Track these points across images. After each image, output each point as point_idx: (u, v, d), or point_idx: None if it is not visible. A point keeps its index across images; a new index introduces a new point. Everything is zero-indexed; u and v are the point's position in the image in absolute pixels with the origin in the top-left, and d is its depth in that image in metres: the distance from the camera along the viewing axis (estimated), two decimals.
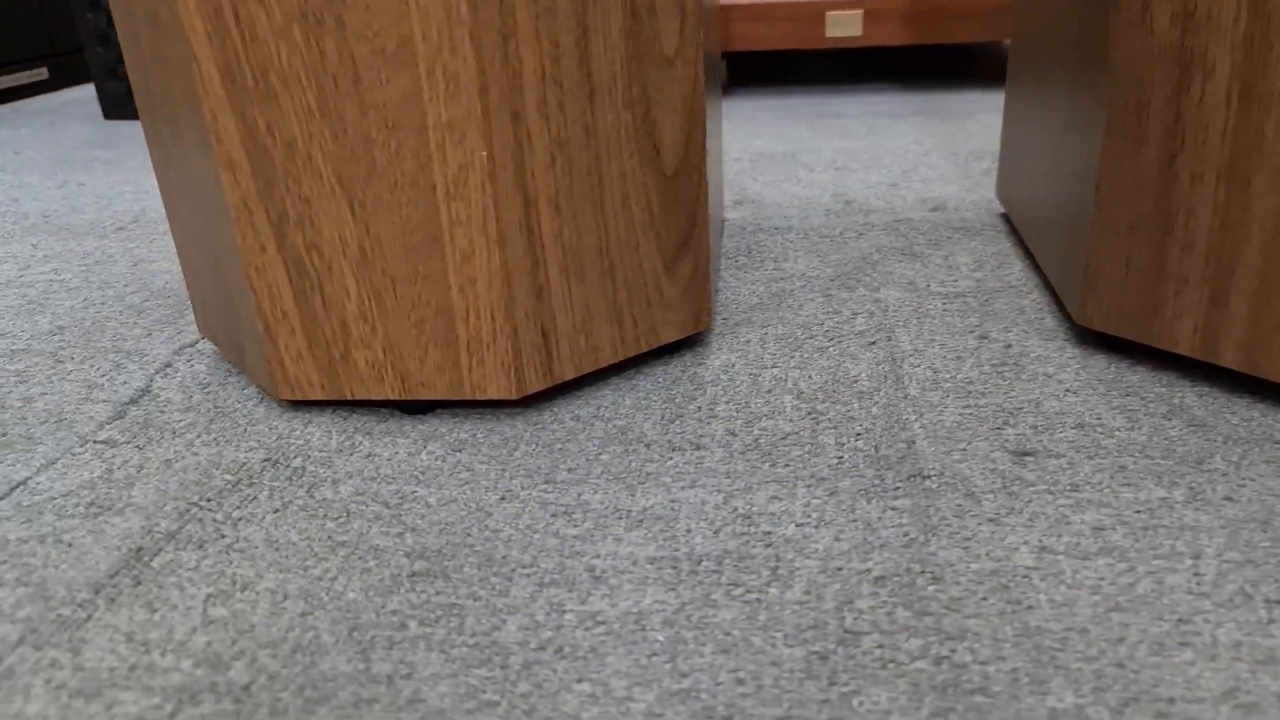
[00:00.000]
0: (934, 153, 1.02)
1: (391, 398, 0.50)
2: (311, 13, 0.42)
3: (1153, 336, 0.51)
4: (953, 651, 0.34)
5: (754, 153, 1.06)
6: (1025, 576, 0.37)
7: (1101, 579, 0.37)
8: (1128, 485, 0.42)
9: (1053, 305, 0.62)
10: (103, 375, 0.59)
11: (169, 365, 0.59)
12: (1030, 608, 0.35)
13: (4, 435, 0.52)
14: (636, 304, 0.53)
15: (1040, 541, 0.39)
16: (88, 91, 1.78)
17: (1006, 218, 0.80)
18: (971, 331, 0.59)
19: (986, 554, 0.38)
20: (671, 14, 0.48)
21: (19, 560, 0.41)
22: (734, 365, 0.56)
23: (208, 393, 0.55)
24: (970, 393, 0.51)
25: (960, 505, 0.42)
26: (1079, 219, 0.54)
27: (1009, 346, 0.56)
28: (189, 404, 0.54)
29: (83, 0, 1.40)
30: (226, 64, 0.44)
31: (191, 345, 0.62)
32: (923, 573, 0.37)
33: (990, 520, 0.41)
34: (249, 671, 0.34)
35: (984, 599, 0.36)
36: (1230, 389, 0.50)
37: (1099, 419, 0.48)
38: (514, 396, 0.49)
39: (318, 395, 0.51)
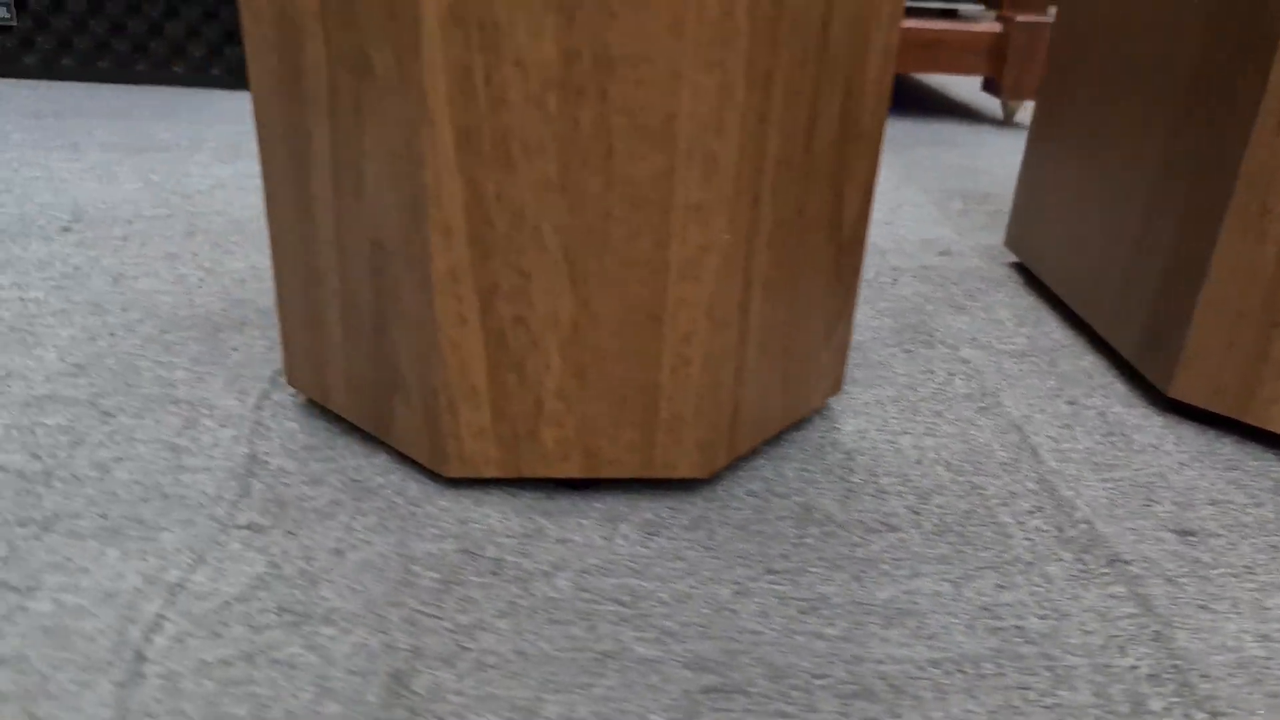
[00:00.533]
0: (905, 187, 1.07)
1: (573, 476, 0.47)
2: (573, 82, 0.39)
3: (1248, 414, 0.57)
4: None
5: None
6: (1267, 667, 0.41)
7: None
8: None
9: (1115, 369, 0.67)
10: (178, 434, 0.51)
11: (259, 424, 0.53)
12: None
13: (104, 518, 0.45)
14: (800, 374, 0.52)
15: (1256, 629, 0.43)
16: None
17: (1022, 268, 0.85)
18: (1058, 396, 0.63)
19: (1224, 645, 0.42)
20: (871, 91, 0.48)
21: (242, 690, 0.36)
22: (867, 431, 0.57)
23: (329, 464, 0.50)
24: (1100, 465, 0.55)
25: (1169, 592, 0.45)
26: (1169, 297, 0.59)
27: (1104, 414, 0.61)
28: (314, 476, 0.49)
29: None
30: (465, 127, 0.39)
31: (265, 396, 0.56)
32: (1190, 669, 0.40)
33: (1201, 607, 0.44)
34: None
35: (1249, 693, 0.39)
36: None
37: (1224, 494, 0.53)
38: (704, 475, 0.48)
39: (492, 473, 0.47)
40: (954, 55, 1.38)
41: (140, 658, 0.37)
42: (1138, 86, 0.65)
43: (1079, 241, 0.72)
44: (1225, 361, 0.57)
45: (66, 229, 0.78)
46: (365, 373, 0.48)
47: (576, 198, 0.41)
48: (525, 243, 0.42)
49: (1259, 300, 0.54)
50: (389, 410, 0.48)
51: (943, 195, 1.05)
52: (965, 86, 1.77)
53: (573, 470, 0.47)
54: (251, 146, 1.06)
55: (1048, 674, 0.39)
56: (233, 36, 1.28)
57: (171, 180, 0.92)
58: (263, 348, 0.62)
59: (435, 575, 0.42)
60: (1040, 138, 0.79)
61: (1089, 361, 0.68)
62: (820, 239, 0.49)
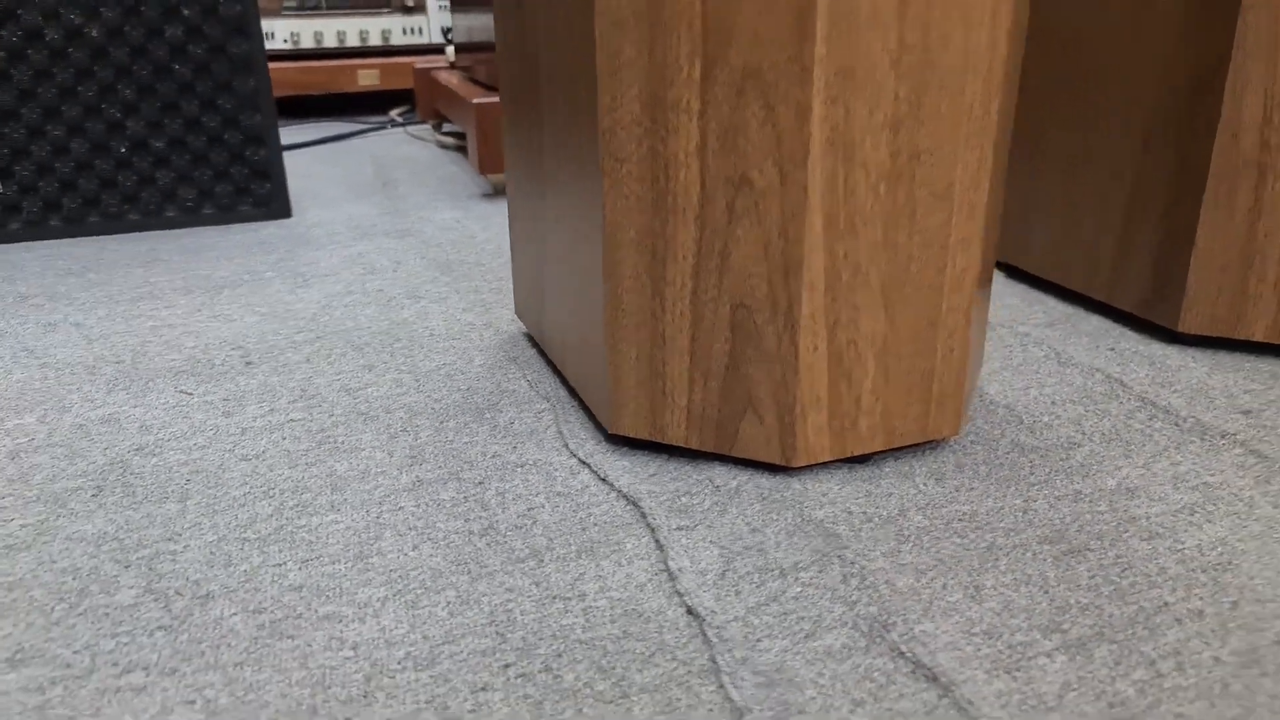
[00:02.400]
0: None
1: (878, 449, 0.65)
2: (895, 171, 0.58)
3: (1238, 332, 0.83)
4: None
5: None
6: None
7: None
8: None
9: (1119, 324, 0.92)
10: (550, 484, 0.65)
11: (596, 467, 0.67)
12: None
13: (570, 545, 0.58)
14: (976, 357, 0.73)
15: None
16: None
17: (1004, 265, 1.10)
18: (1099, 345, 0.87)
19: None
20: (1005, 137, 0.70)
21: (790, 600, 0.51)
22: (1005, 393, 0.78)
23: (685, 480, 0.65)
24: (1163, 383, 0.79)
25: (1253, 438, 0.68)
26: (1166, 261, 0.85)
27: (1137, 351, 0.85)
28: (685, 490, 0.64)
29: None
30: (830, 213, 0.57)
31: (580, 449, 0.70)
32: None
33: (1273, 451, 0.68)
34: None
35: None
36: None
37: (1244, 386, 0.78)
38: (957, 434, 0.67)
39: (825, 458, 0.64)
40: None
41: (692, 613, 0.51)
42: (1115, 106, 0.91)
43: (1068, 235, 0.97)
44: (1218, 300, 0.82)
45: (249, 363, 0.87)
46: (712, 405, 0.64)
47: (892, 249, 0.60)
48: (859, 285, 0.60)
49: (1236, 255, 0.81)
50: (735, 430, 0.64)
51: None
52: None
53: (878, 445, 0.65)
54: (307, 270, 1.15)
55: (1242, 504, 0.61)
56: (222, 175, 1.35)
57: (279, 309, 1.01)
58: (530, 419, 0.75)
59: (842, 526, 0.59)
60: (1019, 160, 1.04)
61: (1096, 322, 0.93)
62: (995, 247, 0.70)
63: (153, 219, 1.34)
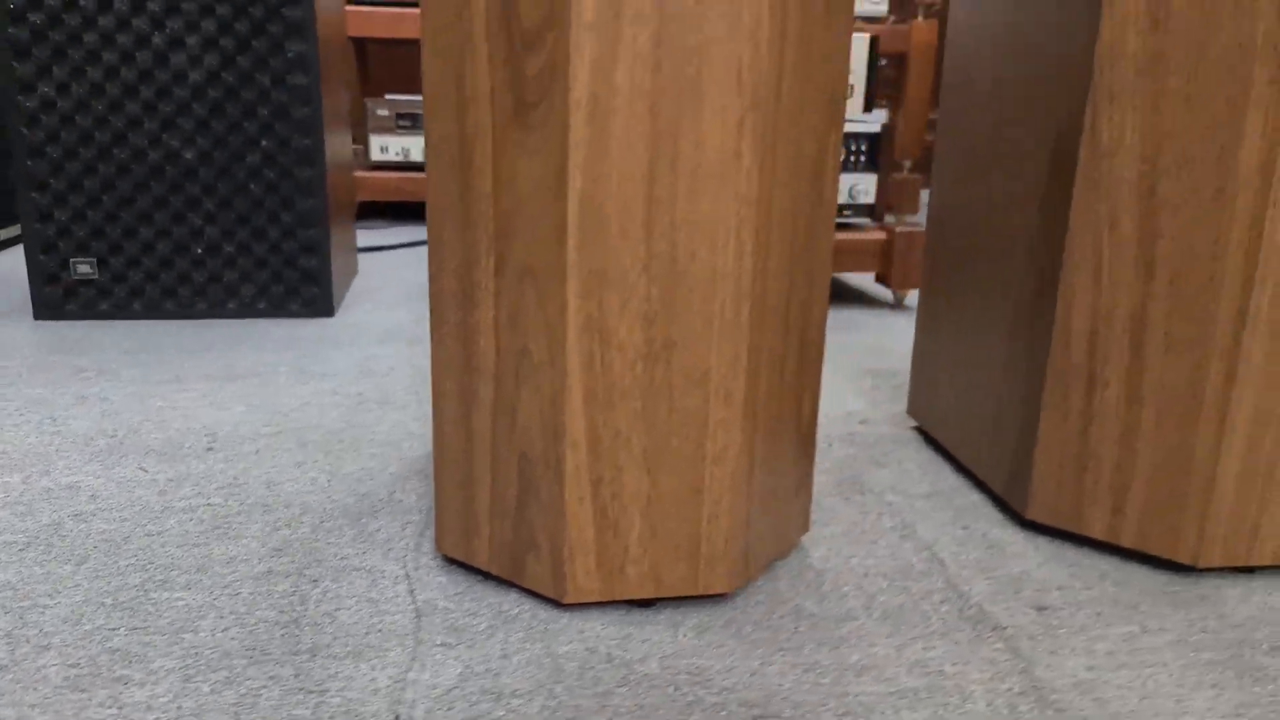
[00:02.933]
0: (826, 369, 1.38)
1: (647, 597, 0.73)
2: (652, 355, 0.67)
3: (1079, 526, 0.85)
4: None
5: None
6: (1093, 686, 0.67)
7: None
8: (1112, 626, 0.74)
9: (991, 503, 0.95)
10: (370, 590, 0.75)
11: (418, 580, 0.77)
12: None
13: (346, 646, 0.68)
14: (782, 520, 0.79)
15: (1088, 664, 0.69)
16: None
17: (921, 430, 1.14)
18: (955, 524, 0.91)
19: (1069, 674, 0.68)
20: (814, 340, 0.78)
21: None
22: (829, 557, 0.84)
23: (479, 602, 0.74)
24: (985, 569, 0.82)
25: (1031, 644, 0.71)
26: (1021, 446, 0.88)
27: (986, 535, 0.89)
28: (471, 611, 0.73)
29: (30, 202, 1.47)
30: (589, 386, 0.67)
31: (415, 562, 0.80)
32: (1046, 688, 0.66)
33: (1051, 653, 0.71)
34: None
35: (1083, 699, 0.65)
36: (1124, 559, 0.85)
37: (1066, 582, 0.80)
38: (729, 590, 0.74)
39: (595, 599, 0.72)
40: (852, 258, 1.74)
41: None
42: (987, 278, 0.96)
43: (960, 405, 1.02)
44: (1059, 494, 0.86)
45: (210, 449, 1.03)
46: (506, 539, 0.74)
47: (651, 420, 0.69)
48: (620, 449, 0.69)
49: (1072, 454, 0.84)
50: (523, 563, 0.73)
51: (856, 374, 1.36)
52: (861, 278, 2.14)
53: (648, 592, 0.73)
54: (316, 368, 1.32)
55: (958, 696, 0.65)
56: (278, 277, 1.56)
57: (266, 403, 1.18)
58: (397, 528, 0.86)
59: (574, 664, 0.67)
60: (925, 320, 1.10)
61: (975, 498, 0.96)
62: (789, 431, 0.77)
63: (218, 309, 1.56)
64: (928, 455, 1.07)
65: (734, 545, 0.73)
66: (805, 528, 0.83)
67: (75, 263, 1.51)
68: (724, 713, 0.63)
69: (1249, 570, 0.83)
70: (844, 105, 0.73)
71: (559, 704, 0.63)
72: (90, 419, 1.10)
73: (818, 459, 1.05)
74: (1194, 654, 0.71)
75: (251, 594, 0.75)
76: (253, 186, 1.52)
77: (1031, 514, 0.88)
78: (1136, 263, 0.78)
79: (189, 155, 1.49)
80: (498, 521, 0.74)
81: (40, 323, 1.52)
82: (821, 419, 1.18)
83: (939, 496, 0.96)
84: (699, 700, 0.64)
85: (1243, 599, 0.78)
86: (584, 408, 0.68)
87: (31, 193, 1.47)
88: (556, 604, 0.74)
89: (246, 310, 1.57)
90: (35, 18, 1.41)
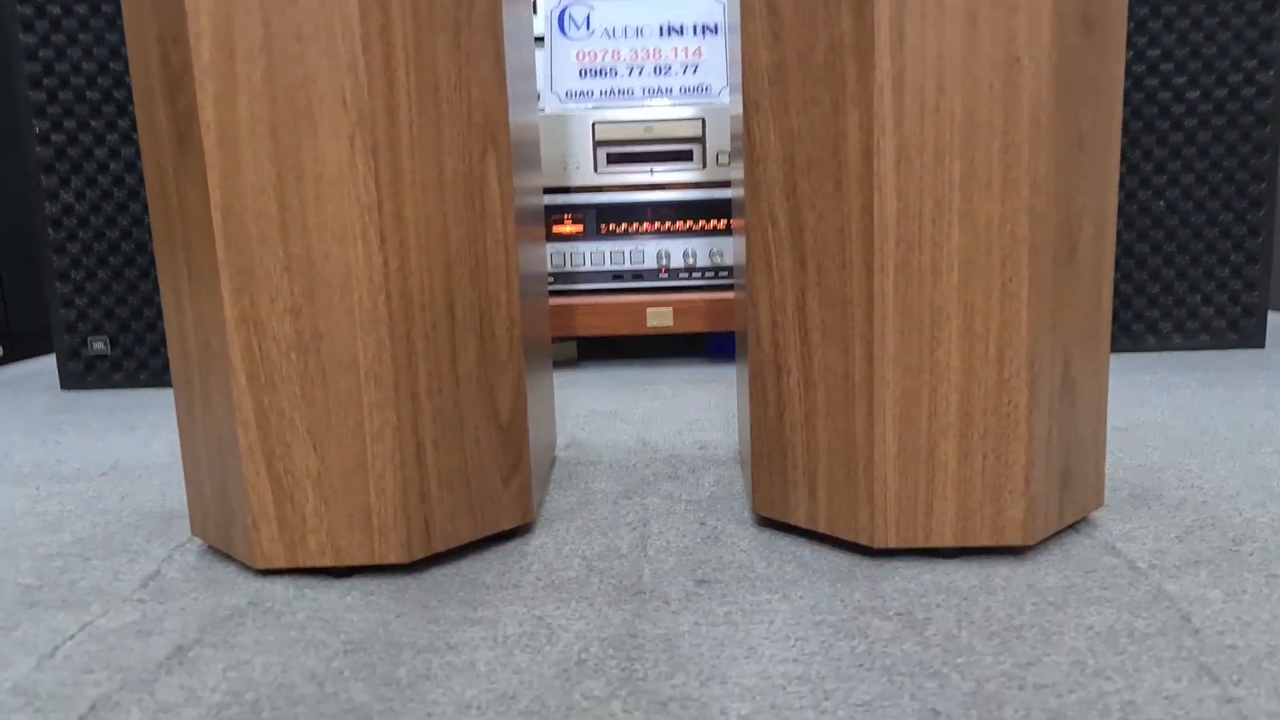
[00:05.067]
0: (714, 410, 1.42)
1: (329, 565, 0.82)
2: (303, 345, 0.78)
3: (787, 517, 0.88)
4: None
5: (588, 410, 1.45)
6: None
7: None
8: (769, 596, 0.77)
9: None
10: (124, 565, 0.88)
11: (169, 557, 0.89)
12: None
13: (64, 600, 0.80)
14: (485, 504, 0.87)
15: (746, 641, 0.73)
16: (38, 365, 2.07)
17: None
18: (699, 521, 0.94)
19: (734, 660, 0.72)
20: (503, 338, 0.86)
21: (100, 651, 0.70)
22: (547, 544, 0.89)
23: (212, 570, 0.85)
24: (685, 551, 0.86)
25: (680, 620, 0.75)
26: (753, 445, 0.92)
27: (716, 528, 0.92)
28: (190, 577, 0.84)
29: (54, 291, 1.74)
30: (252, 371, 0.79)
31: (181, 545, 0.92)
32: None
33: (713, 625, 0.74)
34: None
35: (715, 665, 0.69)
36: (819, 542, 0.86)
37: (750, 561, 0.83)
38: (405, 561, 0.82)
39: (281, 565, 0.82)
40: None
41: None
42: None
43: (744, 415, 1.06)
44: (771, 483, 0.89)
45: (104, 474, 1.20)
46: (220, 516, 0.85)
47: (310, 402, 0.79)
48: (286, 428, 0.79)
49: (775, 442, 0.88)
50: (229, 535, 0.84)
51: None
52: None
53: (328, 561, 0.82)
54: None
55: (548, 639, 0.70)
56: None
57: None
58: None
59: (261, 608, 0.76)
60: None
61: (742, 501, 1.00)
62: (481, 422, 0.85)
63: None
64: (734, 471, 1.11)
65: (407, 518, 0.81)
66: (527, 517, 0.90)
67: (92, 340, 1.77)
68: (327, 649, 0.70)
69: (935, 552, 0.83)
70: (501, 130, 0.84)
71: (188, 645, 0.72)
72: (36, 453, 1.30)
73: (625, 475, 1.11)
74: (811, 616, 0.72)
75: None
76: None
77: (756, 507, 0.91)
78: (793, 256, 0.83)
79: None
80: (213, 501, 0.85)
81: (65, 392, 1.78)
82: (671, 445, 1.23)
83: (710, 500, 1.00)
84: (315, 641, 0.72)
85: (913, 577, 0.79)
86: (249, 390, 0.79)
87: (55, 283, 1.75)
88: (252, 571, 0.84)
89: None
90: (57, 139, 1.71)
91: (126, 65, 1.70)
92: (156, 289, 1.75)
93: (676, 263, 1.79)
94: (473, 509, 0.86)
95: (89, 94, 1.70)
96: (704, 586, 0.79)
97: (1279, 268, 2.22)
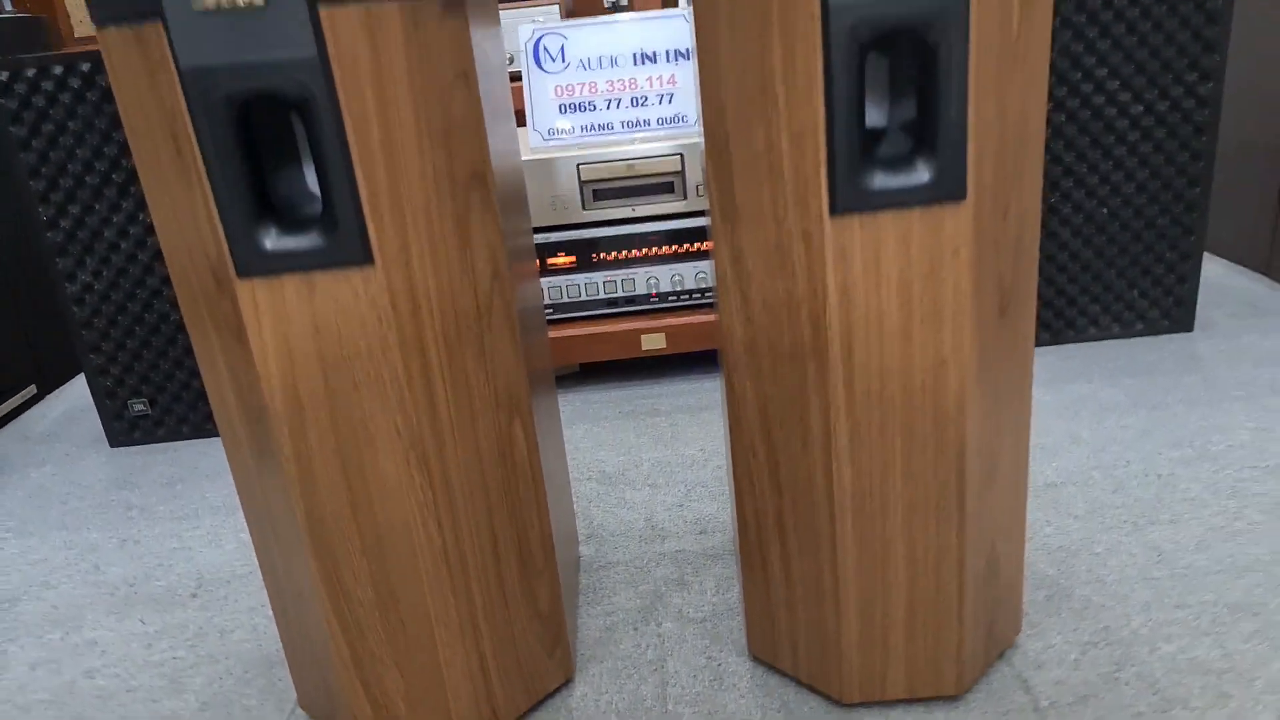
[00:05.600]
0: (707, 466, 1.63)
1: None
2: (379, 601, 0.97)
3: (777, 663, 1.10)
4: None
5: (598, 472, 1.65)
6: None
7: None
8: None
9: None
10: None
11: None
12: None
13: None
14: (536, 675, 1.09)
15: None
16: (75, 401, 2.24)
17: None
18: (706, 655, 1.17)
19: None
20: (538, 553, 1.05)
21: None
22: (587, 696, 1.12)
23: None
24: (697, 699, 1.09)
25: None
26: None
27: (720, 665, 1.15)
28: None
29: (89, 359, 1.89)
30: (344, 623, 0.98)
31: (291, 712, 1.15)
32: None
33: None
34: None
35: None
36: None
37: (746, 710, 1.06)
38: None
39: None
40: None
41: None
42: None
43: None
44: (763, 633, 1.11)
45: (194, 595, 1.41)
46: (318, 684, 1.07)
47: (394, 644, 0.99)
48: (375, 663, 1.00)
49: (765, 604, 1.09)
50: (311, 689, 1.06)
51: None
52: None
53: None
54: None
55: None
56: None
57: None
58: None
59: None
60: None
61: (738, 622, 1.22)
62: (527, 621, 1.06)
63: None
64: (733, 571, 1.33)
65: (470, 687, 1.03)
66: (566, 676, 1.12)
67: (132, 403, 1.93)
68: None
69: (889, 703, 1.06)
70: (524, 400, 0.99)
71: None
72: (124, 564, 1.50)
73: (640, 580, 1.32)
74: None
75: None
76: None
77: (752, 648, 1.13)
78: (770, 481, 1.01)
79: None
80: (315, 691, 1.07)
81: (115, 449, 1.96)
82: (676, 528, 1.44)
83: (713, 617, 1.22)
84: None
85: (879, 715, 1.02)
86: (344, 637, 0.99)
87: (89, 354, 1.89)
88: None
89: None
90: (64, 223, 1.80)
91: (121, 148, 1.77)
92: (187, 353, 1.89)
93: (665, 287, 1.94)
94: (526, 685, 1.08)
95: (88, 179, 1.78)
96: None
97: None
